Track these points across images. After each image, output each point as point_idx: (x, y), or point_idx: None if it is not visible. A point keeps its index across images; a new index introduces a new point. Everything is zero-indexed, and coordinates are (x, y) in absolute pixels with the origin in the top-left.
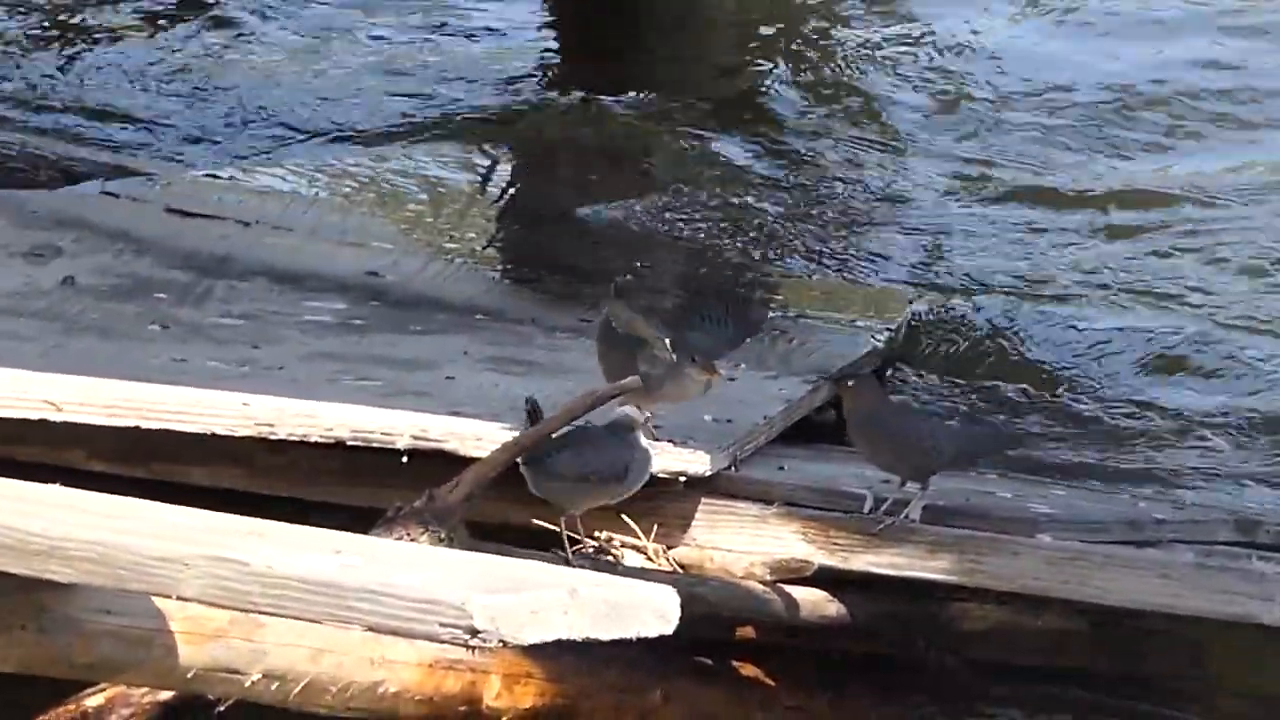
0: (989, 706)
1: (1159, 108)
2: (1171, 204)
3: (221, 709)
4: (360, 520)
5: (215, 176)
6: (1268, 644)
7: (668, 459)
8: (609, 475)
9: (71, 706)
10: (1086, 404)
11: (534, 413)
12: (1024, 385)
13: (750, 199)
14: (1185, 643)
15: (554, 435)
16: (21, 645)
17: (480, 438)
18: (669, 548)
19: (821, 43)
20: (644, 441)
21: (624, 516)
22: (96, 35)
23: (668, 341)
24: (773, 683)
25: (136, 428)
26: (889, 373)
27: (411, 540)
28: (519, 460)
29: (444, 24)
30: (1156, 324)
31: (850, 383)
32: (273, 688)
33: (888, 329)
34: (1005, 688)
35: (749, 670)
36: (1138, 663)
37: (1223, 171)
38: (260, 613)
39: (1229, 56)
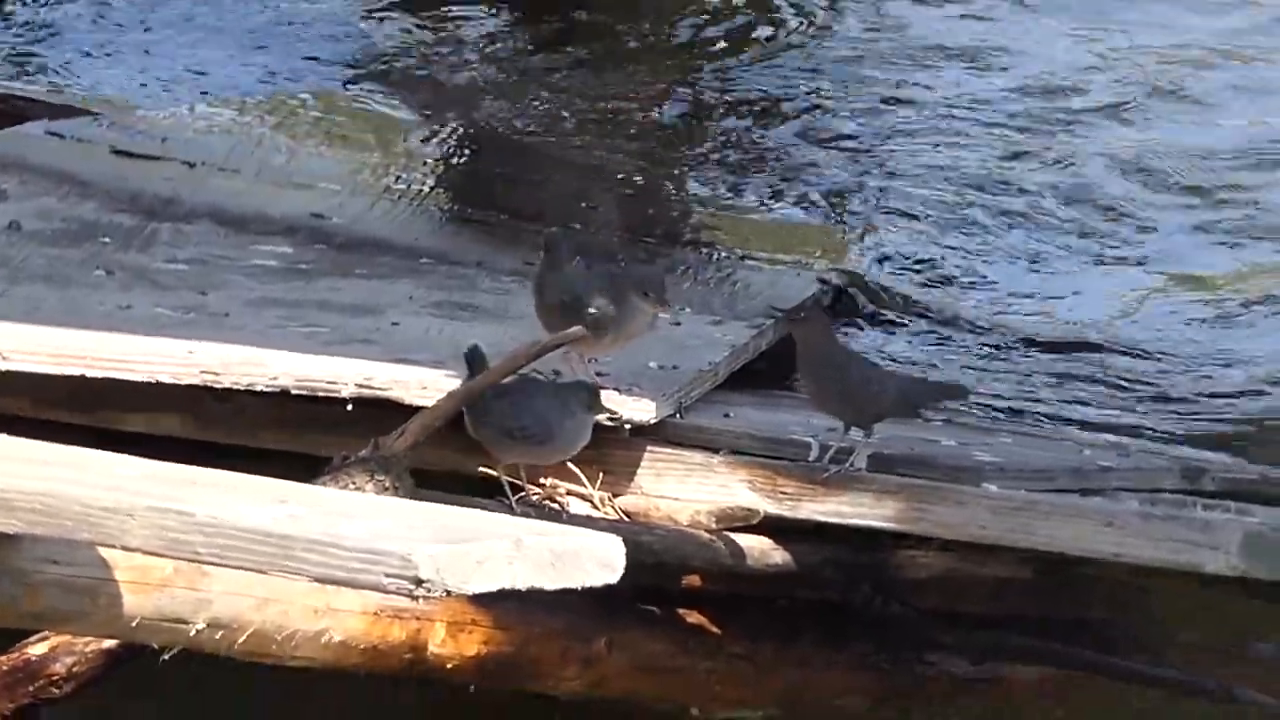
0: (935, 654)
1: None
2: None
3: (165, 658)
4: (306, 469)
5: (161, 117)
6: (1212, 592)
7: (613, 406)
8: (534, 436)
9: (15, 655)
10: (1034, 348)
11: (474, 361)
12: (971, 327)
13: (696, 140)
14: (1131, 590)
15: (502, 381)
16: None
17: (425, 386)
18: (615, 496)
19: None
20: (589, 416)
21: (569, 464)
22: None
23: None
24: (718, 631)
25: (82, 376)
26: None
27: (357, 489)
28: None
29: None
30: (1110, 271)
31: (802, 315)
32: (217, 637)
33: (835, 269)
34: (951, 635)
35: (695, 618)
36: (1083, 610)
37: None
38: (205, 563)
39: None
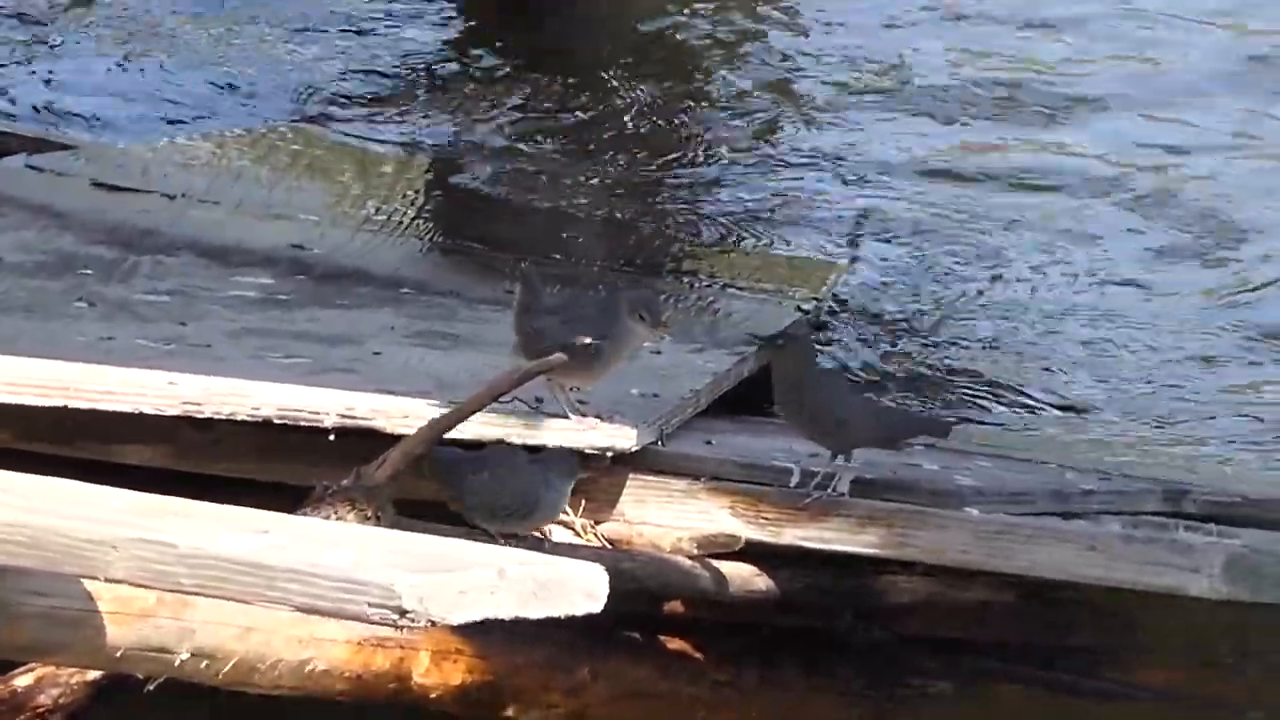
0: (918, 679)
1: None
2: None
3: (150, 688)
4: (288, 499)
5: (140, 150)
6: (1195, 615)
7: (595, 434)
8: (516, 513)
9: (1, 687)
10: (1014, 375)
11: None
12: (950, 354)
13: (676, 169)
14: (1113, 614)
15: (472, 455)
16: None
17: (407, 415)
18: (597, 523)
19: (747, 16)
20: (567, 487)
21: None
22: (15, 12)
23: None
24: (701, 657)
25: (64, 407)
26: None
27: (339, 519)
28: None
29: None
30: (1085, 295)
31: (780, 343)
32: (201, 666)
33: (815, 299)
34: (934, 660)
35: (677, 645)
36: (1066, 634)
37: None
38: (188, 593)
39: None
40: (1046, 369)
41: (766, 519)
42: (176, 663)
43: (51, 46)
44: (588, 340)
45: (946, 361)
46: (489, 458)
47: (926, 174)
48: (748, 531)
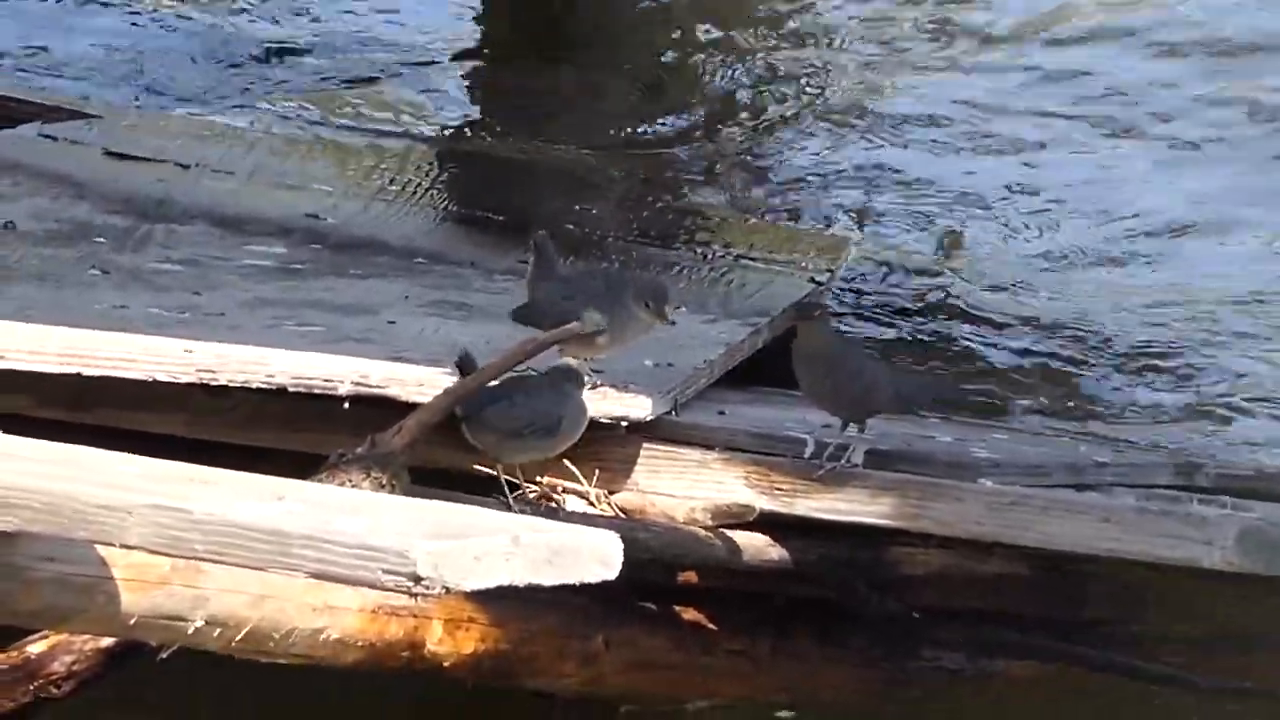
0: (931, 650)
1: None
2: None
3: (164, 656)
4: (302, 466)
5: (154, 119)
6: (1207, 587)
7: (609, 404)
8: (540, 428)
9: (14, 654)
10: (1029, 346)
11: (464, 366)
12: (964, 326)
13: (692, 140)
14: (1126, 586)
15: (491, 384)
16: None
17: (422, 383)
18: (611, 493)
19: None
20: (581, 393)
21: (566, 462)
22: None
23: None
24: (715, 627)
25: (79, 375)
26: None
27: (354, 486)
28: (458, 414)
29: None
30: (1101, 262)
31: (815, 312)
32: (215, 634)
33: (829, 270)
34: (947, 632)
35: (691, 615)
36: (1079, 607)
37: None
38: (202, 560)
39: None
40: (1062, 341)
41: (780, 489)
42: (190, 630)
43: (66, 11)
44: (593, 321)
45: (962, 334)
46: (503, 386)
47: (945, 142)
48: (761, 502)
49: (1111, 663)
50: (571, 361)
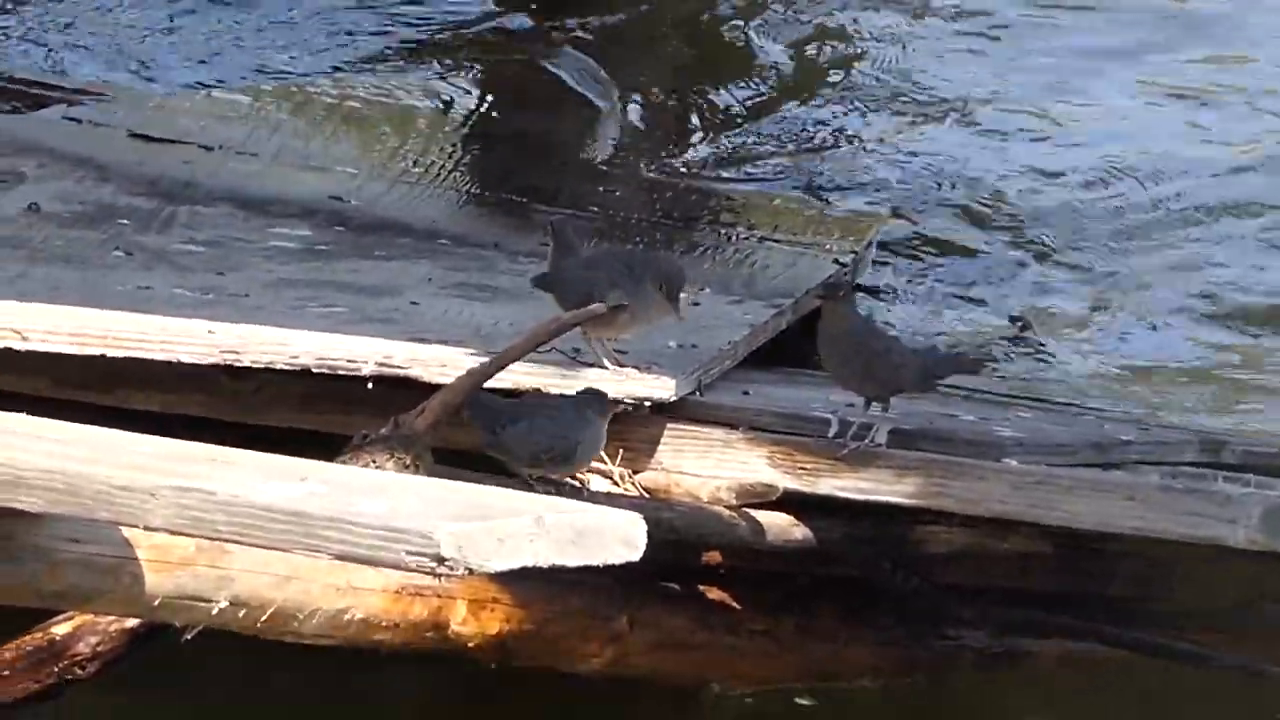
0: (955, 629)
1: None
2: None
3: (188, 637)
4: (326, 448)
5: (178, 102)
6: (1233, 565)
7: (633, 385)
8: (558, 454)
9: (39, 635)
10: (1050, 324)
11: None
12: (988, 306)
13: (714, 121)
14: (1151, 565)
15: (510, 404)
16: None
17: (445, 364)
18: (635, 473)
19: None
20: (603, 421)
21: None
22: None
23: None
24: (739, 607)
25: (102, 356)
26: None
27: (378, 467)
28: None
29: None
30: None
31: (840, 292)
32: (239, 615)
33: (853, 251)
34: (971, 610)
35: (715, 595)
36: (1104, 585)
37: None
38: (226, 541)
39: None
40: (1084, 322)
41: (804, 469)
42: (214, 611)
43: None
44: (615, 297)
45: (985, 314)
46: (525, 405)
47: (971, 129)
48: (785, 481)
49: (1135, 641)
50: (599, 375)
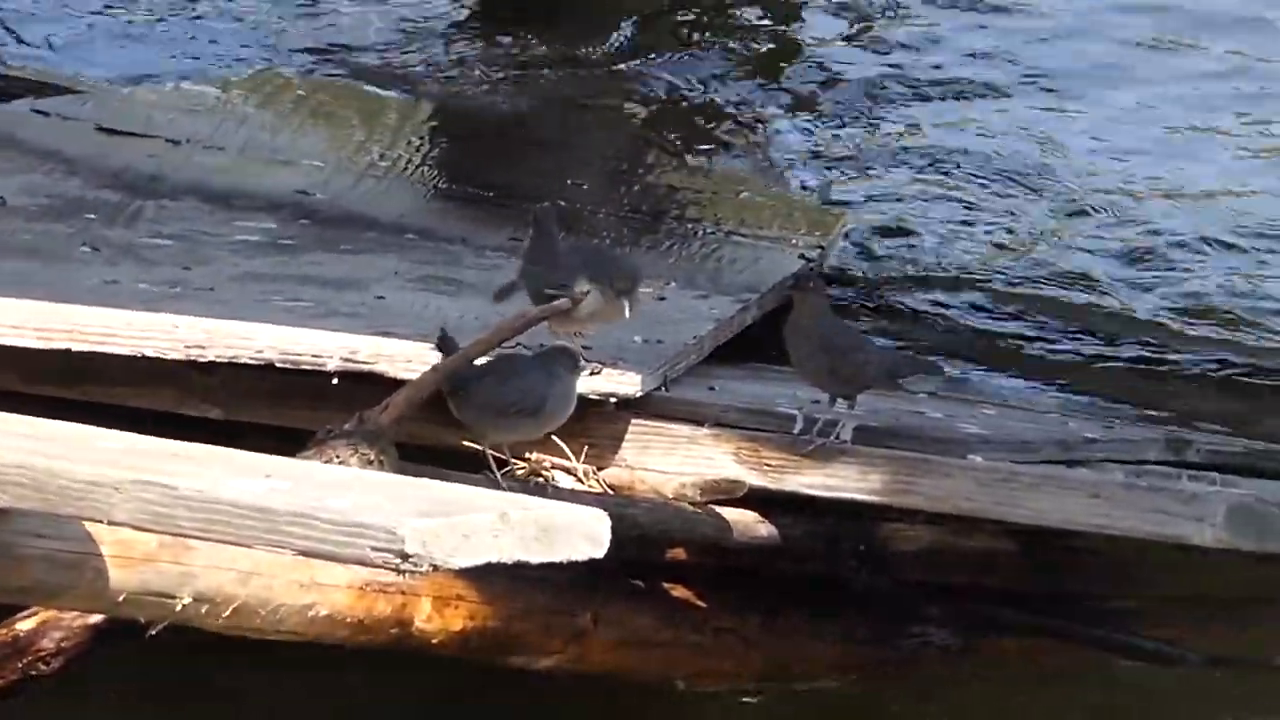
0: (920, 626)
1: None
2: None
3: (152, 633)
4: (290, 442)
5: (145, 95)
6: (1197, 563)
7: (598, 380)
8: (525, 408)
9: (3, 631)
10: (1016, 322)
11: (444, 345)
12: (953, 303)
13: (682, 116)
14: (1115, 562)
15: (480, 361)
16: None
17: (410, 359)
18: (599, 469)
19: None
20: (573, 376)
21: (554, 438)
22: None
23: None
24: (704, 604)
25: (67, 350)
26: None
27: (342, 463)
28: (445, 391)
29: None
30: (1087, 244)
31: (810, 285)
32: (203, 611)
33: (820, 246)
34: (936, 608)
35: (680, 592)
36: (1068, 582)
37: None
38: (189, 537)
39: None
40: (1051, 317)
41: (770, 465)
42: (178, 607)
43: None
44: (582, 291)
45: (950, 309)
46: (491, 364)
47: (938, 123)
48: (751, 478)
49: (1100, 638)
50: (569, 345)
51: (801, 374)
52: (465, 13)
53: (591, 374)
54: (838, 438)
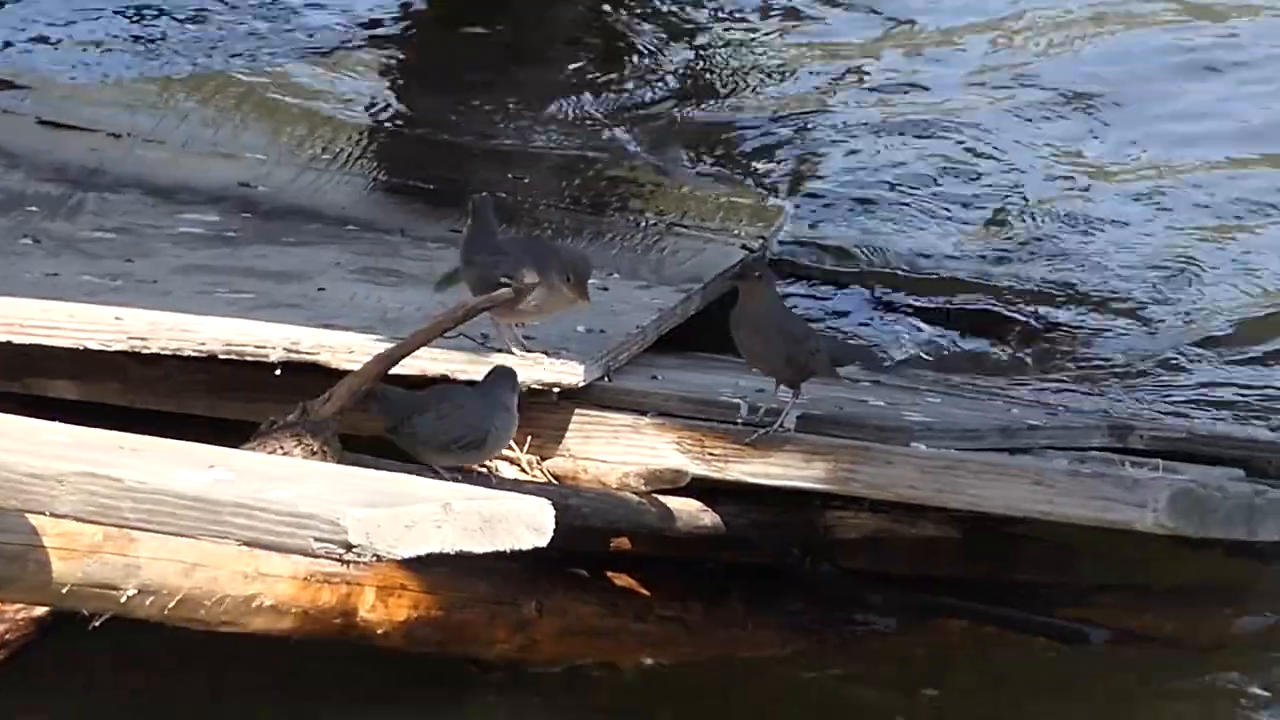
0: (864, 614)
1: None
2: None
3: (96, 624)
4: (233, 434)
5: (87, 89)
6: (1139, 549)
7: (541, 370)
8: (468, 442)
9: None
10: (956, 310)
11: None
12: (896, 291)
13: (624, 109)
14: (1058, 549)
15: (417, 396)
16: None
17: (352, 350)
18: (543, 459)
19: None
20: (513, 398)
21: None
22: None
23: (530, 271)
24: (648, 593)
25: (9, 343)
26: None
27: (285, 454)
28: (383, 427)
29: None
30: (1023, 231)
31: (757, 274)
32: (147, 603)
33: (761, 237)
34: (880, 595)
35: (624, 581)
36: (1011, 569)
37: None
38: (133, 528)
39: None
40: (991, 303)
41: (713, 454)
42: (122, 599)
43: None
44: (524, 277)
45: (893, 299)
46: (433, 396)
47: (878, 118)
48: (694, 467)
49: (1043, 625)
50: (507, 362)
51: (751, 362)
52: (409, 8)
53: (534, 364)
54: (781, 426)
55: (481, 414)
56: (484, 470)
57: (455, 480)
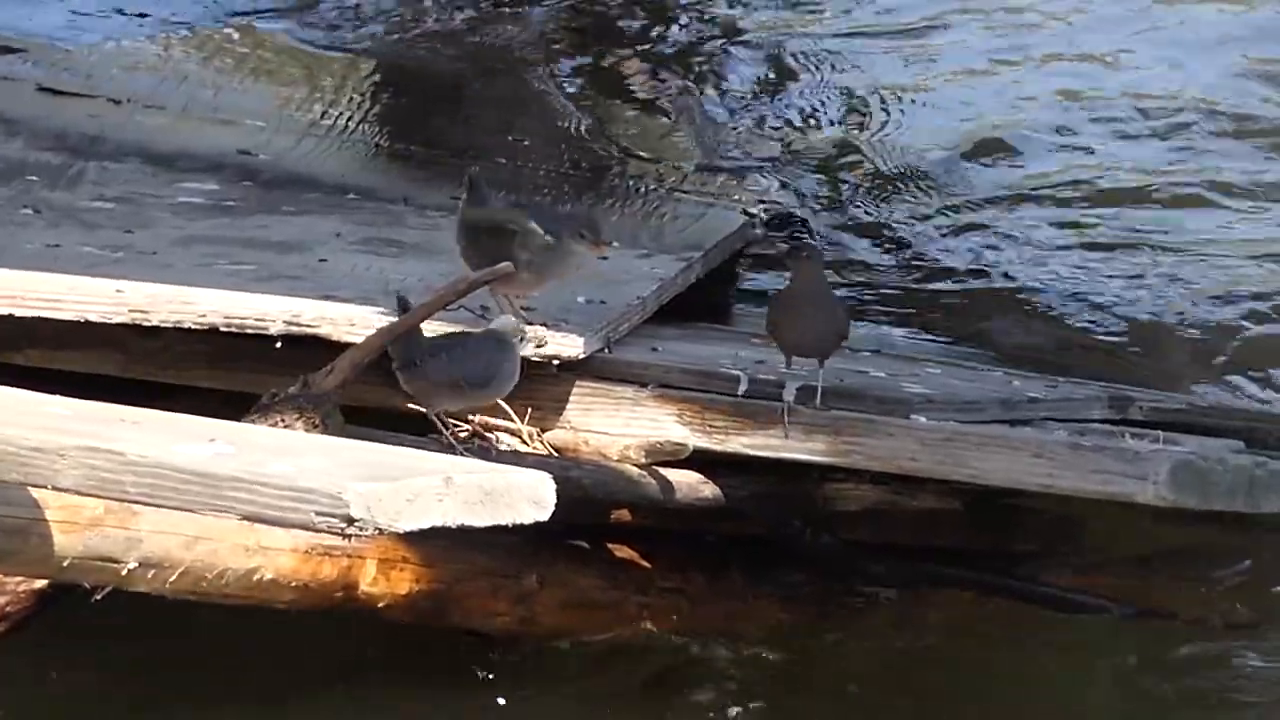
0: (865, 585)
1: None
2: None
3: (98, 598)
4: (235, 407)
5: (86, 53)
6: (1139, 521)
7: (540, 338)
8: (479, 381)
9: None
10: (957, 281)
11: (403, 305)
12: (896, 262)
13: (626, 75)
14: (1058, 520)
15: (428, 339)
16: None
17: (354, 322)
18: (544, 431)
19: None
20: (518, 349)
21: (499, 401)
22: None
23: (536, 228)
24: (649, 565)
25: (10, 315)
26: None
27: (286, 427)
28: (393, 366)
29: None
30: (1025, 208)
31: (805, 254)
32: (149, 575)
33: (762, 203)
34: (881, 567)
35: (625, 553)
36: (1011, 540)
37: None
38: (134, 502)
39: None
40: (992, 276)
41: (713, 426)
42: (124, 572)
43: None
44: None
45: (885, 264)
46: (441, 340)
47: (869, 79)
48: (695, 439)
49: (1044, 595)
50: (510, 321)
51: (790, 338)
52: None
53: (537, 347)
54: (819, 402)
55: (490, 354)
56: (484, 444)
57: (455, 441)
